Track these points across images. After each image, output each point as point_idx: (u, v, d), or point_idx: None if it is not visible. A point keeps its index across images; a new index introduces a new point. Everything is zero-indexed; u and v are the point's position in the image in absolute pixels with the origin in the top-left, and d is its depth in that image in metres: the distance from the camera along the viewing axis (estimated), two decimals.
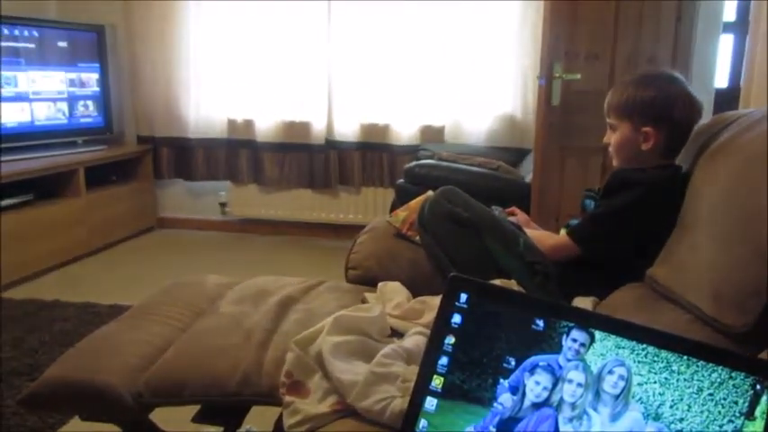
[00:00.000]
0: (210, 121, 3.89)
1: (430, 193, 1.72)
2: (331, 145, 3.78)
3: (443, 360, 0.87)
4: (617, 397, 0.75)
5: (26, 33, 3.41)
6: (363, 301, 1.45)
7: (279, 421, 1.15)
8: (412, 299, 1.43)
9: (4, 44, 3.29)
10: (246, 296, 1.51)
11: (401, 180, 2.88)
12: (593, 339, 0.79)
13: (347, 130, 3.75)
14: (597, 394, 0.76)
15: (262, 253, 3.71)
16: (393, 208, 2.62)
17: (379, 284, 1.50)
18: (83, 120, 3.73)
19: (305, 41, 3.66)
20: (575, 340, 0.80)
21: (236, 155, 3.92)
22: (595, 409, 0.76)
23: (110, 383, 1.18)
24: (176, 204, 4.18)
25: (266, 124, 3.81)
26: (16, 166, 3.11)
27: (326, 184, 3.84)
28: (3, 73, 3.27)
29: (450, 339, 0.88)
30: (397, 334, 1.29)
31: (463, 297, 0.89)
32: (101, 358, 1.27)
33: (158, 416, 1.31)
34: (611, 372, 0.76)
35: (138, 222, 3.98)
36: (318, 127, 3.76)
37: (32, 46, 3.44)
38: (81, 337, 1.42)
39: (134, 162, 3.97)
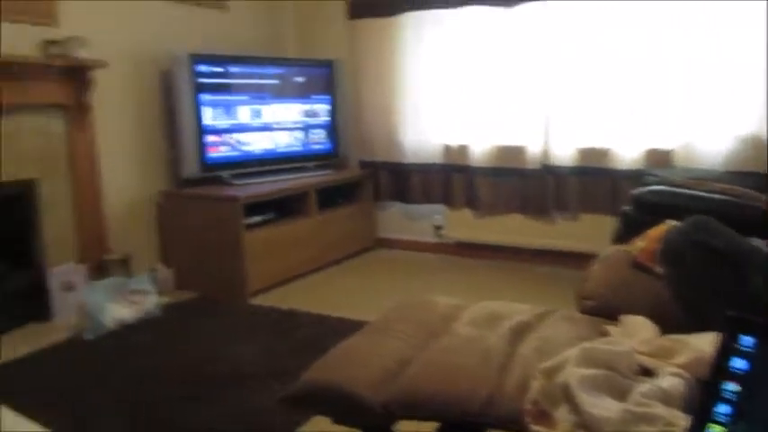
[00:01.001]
0: (427, 146, 4.05)
1: (672, 222, 1.60)
2: (547, 170, 3.71)
3: (722, 408, 0.80)
4: None
5: (271, 72, 3.88)
6: (604, 333, 1.39)
7: None
8: (660, 335, 1.33)
9: (253, 82, 3.78)
10: (480, 319, 1.53)
11: (626, 207, 2.71)
12: None
13: (563, 154, 3.65)
14: None
15: (476, 276, 3.74)
16: (618, 236, 2.47)
17: (622, 317, 1.43)
18: (314, 146, 4.12)
19: (520, 65, 3.65)
20: None
21: (451, 179, 4.03)
22: None
23: (361, 392, 1.28)
24: (393, 226, 4.40)
25: (481, 149, 3.86)
26: (262, 189, 3.53)
27: (542, 210, 3.76)
28: (252, 107, 3.76)
29: (731, 386, 0.80)
30: (645, 372, 1.21)
31: (747, 340, 0.81)
32: (351, 368, 1.38)
33: (398, 427, 1.38)
34: None
35: (360, 242, 4.26)
36: (533, 151, 3.71)
37: (275, 82, 3.91)
38: (318, 345, 1.56)
39: (357, 185, 4.27)
